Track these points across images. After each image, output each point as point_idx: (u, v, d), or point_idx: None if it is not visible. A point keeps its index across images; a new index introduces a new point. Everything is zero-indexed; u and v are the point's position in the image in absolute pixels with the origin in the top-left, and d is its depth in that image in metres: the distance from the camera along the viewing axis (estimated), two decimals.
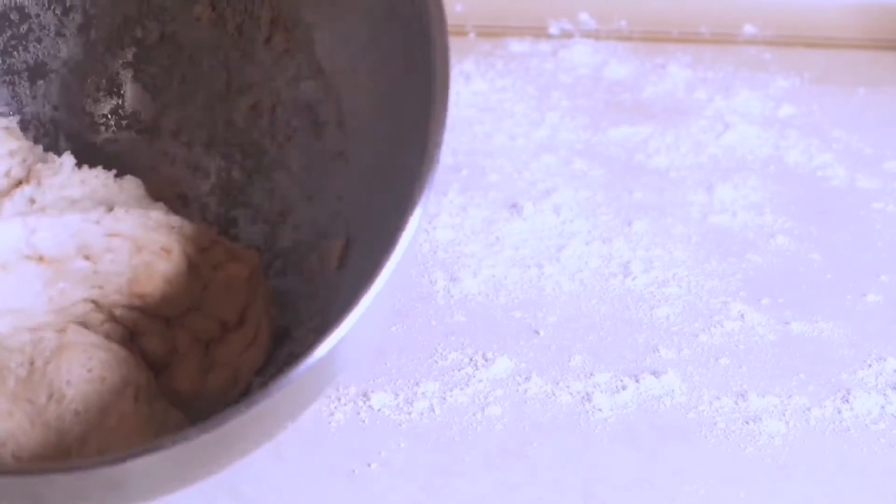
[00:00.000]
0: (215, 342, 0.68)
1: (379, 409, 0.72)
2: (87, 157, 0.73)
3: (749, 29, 1.15)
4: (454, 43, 1.14)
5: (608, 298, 0.81)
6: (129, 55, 0.76)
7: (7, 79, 0.76)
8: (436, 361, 0.75)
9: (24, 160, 0.72)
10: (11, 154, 0.72)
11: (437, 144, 0.62)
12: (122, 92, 0.76)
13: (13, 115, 0.76)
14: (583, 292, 0.81)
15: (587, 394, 0.73)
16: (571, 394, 0.73)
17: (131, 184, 0.72)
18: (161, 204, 0.72)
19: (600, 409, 0.72)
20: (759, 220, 0.89)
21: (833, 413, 0.72)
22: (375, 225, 0.64)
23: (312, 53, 0.72)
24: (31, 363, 0.64)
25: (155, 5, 0.76)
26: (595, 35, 1.15)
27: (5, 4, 0.76)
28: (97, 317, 0.67)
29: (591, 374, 0.74)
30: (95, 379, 0.64)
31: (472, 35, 1.16)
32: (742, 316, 0.79)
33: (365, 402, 0.72)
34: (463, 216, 0.89)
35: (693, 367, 0.75)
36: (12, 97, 0.77)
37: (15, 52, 0.76)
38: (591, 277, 0.83)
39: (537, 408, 0.72)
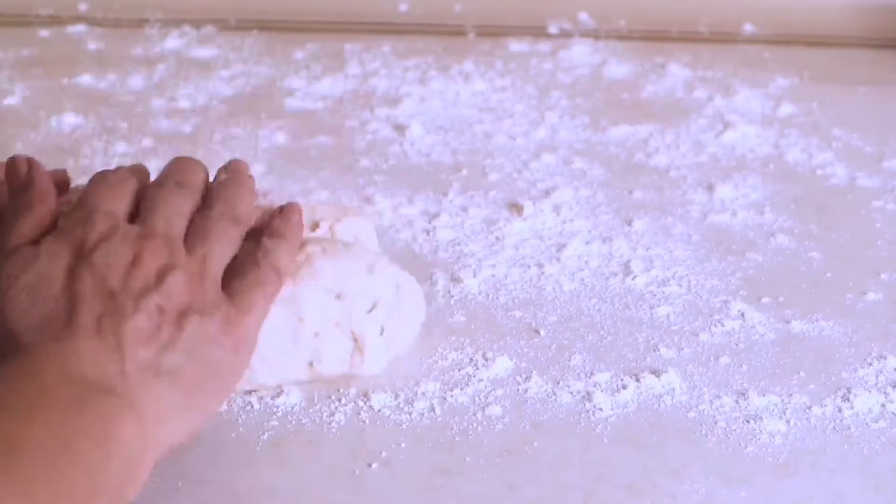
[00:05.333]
0: None
1: (379, 410, 0.71)
2: None
3: (748, 28, 1.15)
4: (454, 43, 1.15)
5: (608, 298, 0.81)
6: None
7: None
8: (436, 361, 0.75)
9: None
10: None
11: None
12: None
13: None
14: (583, 292, 0.81)
15: (587, 393, 0.73)
16: (572, 393, 0.73)
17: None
18: None
19: (601, 409, 0.72)
20: (759, 219, 0.89)
21: (834, 412, 0.72)
22: None
23: None
24: None
25: None
26: (594, 35, 1.15)
27: None
28: None
29: (592, 374, 0.74)
30: None
31: (471, 35, 1.16)
32: (742, 315, 0.79)
33: (365, 403, 0.72)
34: (463, 216, 0.89)
35: (693, 366, 0.75)
36: None
37: None
38: (591, 277, 0.83)
39: (537, 407, 0.72)
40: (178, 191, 0.70)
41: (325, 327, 0.72)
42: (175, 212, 0.68)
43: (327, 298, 0.72)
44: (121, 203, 0.68)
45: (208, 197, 0.71)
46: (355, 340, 0.72)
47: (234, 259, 0.69)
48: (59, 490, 0.57)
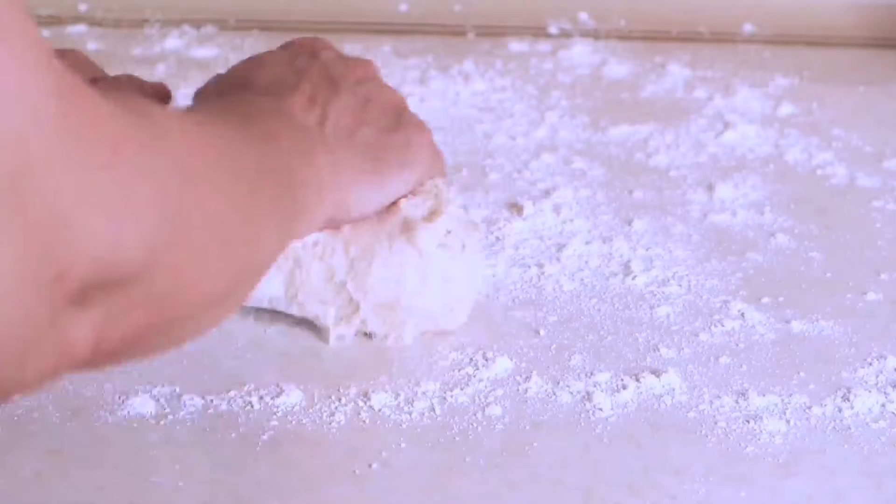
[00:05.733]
0: None
1: (379, 410, 0.71)
2: None
3: (748, 27, 1.15)
4: (453, 43, 1.15)
5: (608, 298, 0.81)
6: None
7: None
8: (436, 361, 0.75)
9: None
10: None
11: None
12: None
13: None
14: (583, 292, 0.81)
15: (587, 393, 0.73)
16: (572, 393, 0.73)
17: None
18: None
19: (601, 409, 0.72)
20: (759, 219, 0.89)
21: (833, 411, 0.72)
22: None
23: None
24: None
25: None
26: (594, 34, 1.15)
27: None
28: None
29: (592, 374, 0.74)
30: None
31: (471, 35, 1.16)
32: (742, 315, 0.79)
33: (365, 403, 0.72)
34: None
35: (693, 366, 0.75)
36: None
37: None
38: (591, 277, 0.83)
39: (537, 407, 0.72)
40: None
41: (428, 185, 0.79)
42: None
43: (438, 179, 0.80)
44: None
45: None
46: (433, 211, 0.77)
47: None
48: (263, 173, 0.64)
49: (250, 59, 0.79)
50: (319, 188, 0.71)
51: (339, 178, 0.73)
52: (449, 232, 0.77)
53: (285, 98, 0.74)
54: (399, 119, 0.78)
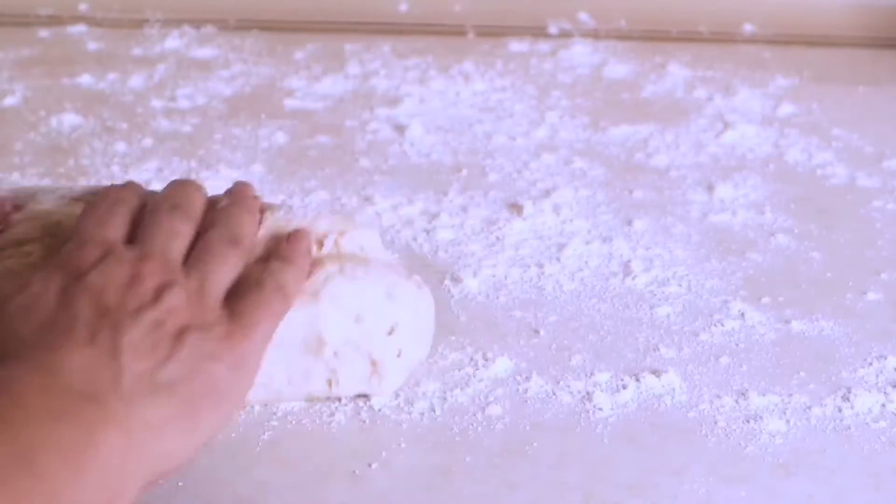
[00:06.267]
0: None
1: (379, 410, 0.71)
2: None
3: (748, 28, 1.15)
4: (454, 43, 1.15)
5: (608, 298, 0.81)
6: None
7: None
8: (436, 361, 0.75)
9: None
10: None
11: None
12: None
13: None
14: (583, 292, 0.81)
15: (588, 393, 0.73)
16: (572, 393, 0.73)
17: None
18: None
19: (601, 409, 0.72)
20: (759, 219, 0.89)
21: (834, 411, 0.72)
22: None
23: None
24: None
25: None
26: (594, 34, 1.15)
27: None
28: None
29: (592, 374, 0.74)
30: None
31: (471, 35, 1.16)
32: (742, 315, 0.79)
33: (365, 403, 0.72)
34: (463, 216, 0.89)
35: (693, 366, 0.75)
36: None
37: None
38: (591, 277, 0.83)
39: (538, 407, 0.72)
40: (174, 213, 0.69)
41: (344, 349, 0.71)
42: (172, 234, 0.68)
43: (347, 321, 0.71)
44: (114, 229, 0.68)
45: (207, 220, 0.70)
46: (373, 364, 0.72)
47: (238, 280, 0.68)
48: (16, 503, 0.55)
49: (10, 295, 0.64)
50: (113, 475, 0.58)
51: (146, 452, 0.60)
52: (393, 331, 0.72)
53: (57, 357, 0.60)
54: (209, 333, 0.64)
